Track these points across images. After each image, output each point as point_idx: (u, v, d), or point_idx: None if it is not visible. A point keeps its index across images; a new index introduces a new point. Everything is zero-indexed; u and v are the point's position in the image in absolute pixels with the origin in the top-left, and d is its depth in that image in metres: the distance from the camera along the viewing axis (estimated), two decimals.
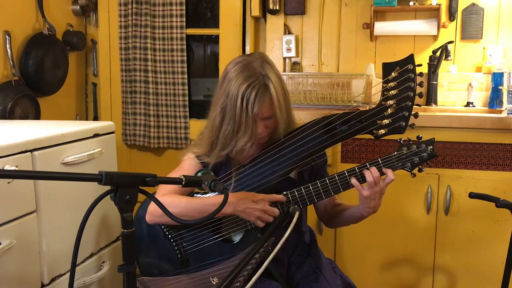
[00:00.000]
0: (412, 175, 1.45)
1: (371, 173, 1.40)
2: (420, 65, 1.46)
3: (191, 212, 1.45)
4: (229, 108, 1.43)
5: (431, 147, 1.43)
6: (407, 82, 1.42)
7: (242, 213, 1.43)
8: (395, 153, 1.44)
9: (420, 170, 1.45)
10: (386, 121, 1.44)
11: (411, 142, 1.45)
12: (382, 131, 1.45)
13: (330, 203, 1.64)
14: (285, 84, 1.50)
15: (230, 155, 1.53)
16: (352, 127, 1.44)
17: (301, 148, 1.46)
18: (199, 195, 1.57)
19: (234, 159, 1.53)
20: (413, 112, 1.44)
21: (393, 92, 1.43)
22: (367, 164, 1.43)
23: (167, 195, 1.49)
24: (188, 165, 1.57)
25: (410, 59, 1.44)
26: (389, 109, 1.44)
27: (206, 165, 1.54)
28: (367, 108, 1.47)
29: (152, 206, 1.50)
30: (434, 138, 1.45)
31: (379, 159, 1.43)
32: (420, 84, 1.44)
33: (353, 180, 1.42)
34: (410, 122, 1.44)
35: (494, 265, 2.16)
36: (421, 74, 1.45)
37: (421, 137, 1.45)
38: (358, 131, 1.45)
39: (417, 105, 1.48)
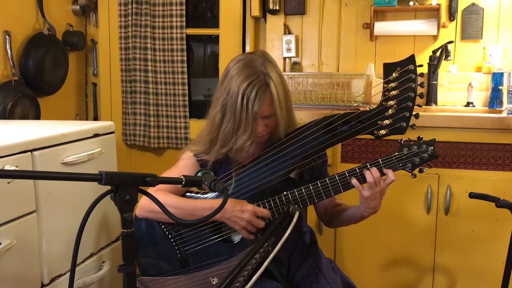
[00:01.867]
0: (413, 176, 1.45)
1: (371, 174, 1.40)
2: (421, 65, 1.45)
3: (179, 213, 1.43)
4: (229, 105, 1.43)
5: (432, 147, 1.43)
6: (408, 82, 1.42)
7: (228, 221, 1.44)
8: (396, 153, 1.44)
9: (420, 171, 1.45)
10: (387, 122, 1.44)
11: (411, 142, 1.45)
12: (382, 132, 1.44)
13: (330, 203, 1.64)
14: (287, 83, 1.50)
15: (230, 154, 1.53)
16: (353, 127, 1.44)
17: (301, 148, 1.46)
18: (189, 195, 1.57)
19: (234, 158, 1.53)
20: (414, 113, 1.44)
21: (394, 92, 1.43)
22: (368, 164, 1.43)
23: (158, 191, 1.48)
24: (184, 164, 1.57)
25: (411, 59, 1.43)
26: (390, 110, 1.44)
27: (204, 163, 1.54)
28: (367, 108, 1.47)
29: (143, 201, 1.50)
30: (435, 139, 1.45)
31: (379, 159, 1.43)
32: (421, 85, 1.44)
33: (354, 181, 1.42)
34: (411, 123, 1.44)
35: (494, 265, 2.16)
36: (422, 74, 1.45)
37: (421, 138, 1.45)
38: (359, 131, 1.45)
39: (418, 105, 1.48)
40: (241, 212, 1.41)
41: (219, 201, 1.45)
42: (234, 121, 1.43)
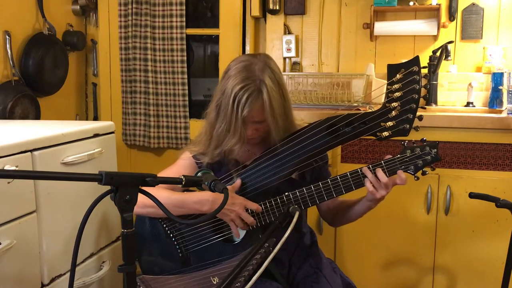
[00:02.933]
0: (416, 178, 1.44)
1: (370, 182, 1.40)
2: (425, 67, 1.44)
3: (168, 207, 1.44)
4: (223, 106, 1.43)
5: (435, 150, 1.42)
6: (412, 84, 1.41)
7: (219, 213, 1.43)
8: (399, 155, 1.43)
9: (423, 173, 1.44)
10: (390, 123, 1.43)
11: (414, 145, 1.44)
12: (385, 134, 1.44)
13: (332, 202, 1.64)
14: (286, 91, 1.48)
15: (224, 155, 1.53)
16: (356, 129, 1.44)
17: (304, 149, 1.46)
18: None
19: (231, 159, 1.52)
20: (417, 114, 1.43)
21: (397, 94, 1.42)
22: (370, 166, 1.42)
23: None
24: (182, 164, 1.57)
25: (416, 61, 1.42)
26: (393, 111, 1.43)
27: (202, 164, 1.54)
28: (368, 108, 1.46)
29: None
30: (438, 142, 1.44)
31: (382, 161, 1.42)
32: (425, 87, 1.43)
33: (367, 184, 1.41)
34: (414, 125, 1.43)
35: (494, 265, 2.16)
36: (426, 76, 1.44)
37: (425, 140, 1.44)
38: (362, 133, 1.44)
39: (422, 107, 1.47)
40: (231, 205, 1.41)
41: (207, 193, 1.44)
42: (226, 122, 1.43)
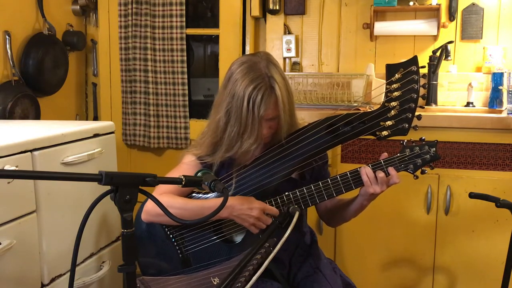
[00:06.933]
0: (415, 177, 1.45)
1: (367, 176, 1.40)
2: (423, 66, 1.45)
3: (186, 214, 1.44)
4: (234, 110, 1.42)
5: (434, 149, 1.43)
6: (411, 83, 1.42)
7: (237, 218, 1.43)
8: (398, 154, 1.43)
9: (422, 172, 1.45)
10: (389, 123, 1.44)
11: (414, 144, 1.44)
12: (385, 133, 1.44)
13: (330, 201, 1.63)
14: (290, 85, 1.49)
15: (233, 156, 1.53)
16: (355, 128, 1.44)
17: (303, 149, 1.46)
18: (196, 196, 1.56)
19: (237, 159, 1.52)
20: (416, 114, 1.44)
21: (396, 93, 1.43)
22: (370, 165, 1.42)
23: (163, 194, 1.48)
24: (187, 168, 1.55)
25: (414, 60, 1.43)
26: (392, 111, 1.43)
27: (207, 166, 1.54)
28: (368, 108, 1.46)
29: (149, 205, 1.49)
30: (437, 140, 1.45)
31: (381, 160, 1.43)
32: (424, 86, 1.44)
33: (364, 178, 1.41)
34: (413, 124, 1.44)
35: (494, 265, 2.16)
36: (424, 76, 1.45)
37: (424, 139, 1.45)
38: (361, 132, 1.45)
39: (420, 106, 1.48)
40: (250, 210, 1.41)
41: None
42: (240, 125, 1.42)
